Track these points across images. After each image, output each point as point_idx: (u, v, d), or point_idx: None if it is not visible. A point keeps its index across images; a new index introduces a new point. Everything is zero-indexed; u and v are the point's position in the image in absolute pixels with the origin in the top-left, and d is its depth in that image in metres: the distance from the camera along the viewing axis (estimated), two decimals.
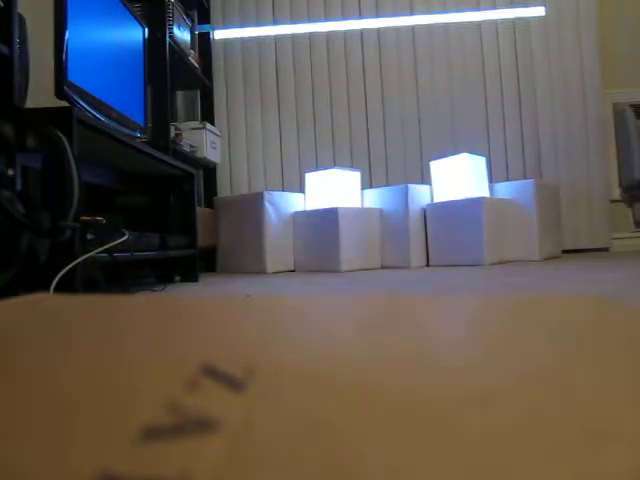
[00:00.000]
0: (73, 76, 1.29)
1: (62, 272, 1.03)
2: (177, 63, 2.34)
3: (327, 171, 2.46)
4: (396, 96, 2.96)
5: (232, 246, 2.51)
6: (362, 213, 2.39)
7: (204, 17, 2.95)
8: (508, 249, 2.34)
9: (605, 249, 2.86)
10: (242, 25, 3.03)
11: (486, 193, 2.42)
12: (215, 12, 3.03)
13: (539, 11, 2.94)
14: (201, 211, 2.34)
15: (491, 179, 2.74)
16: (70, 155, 1.00)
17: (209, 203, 2.74)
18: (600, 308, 0.27)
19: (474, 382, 0.15)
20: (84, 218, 1.16)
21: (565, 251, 2.75)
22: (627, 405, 0.13)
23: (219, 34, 3.03)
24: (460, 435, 0.12)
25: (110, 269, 1.46)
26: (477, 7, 2.95)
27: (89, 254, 1.13)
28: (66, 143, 1.00)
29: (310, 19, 3.00)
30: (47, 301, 0.32)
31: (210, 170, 2.89)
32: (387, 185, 2.83)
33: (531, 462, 0.10)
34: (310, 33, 3.00)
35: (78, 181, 1.00)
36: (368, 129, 2.96)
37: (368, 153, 2.96)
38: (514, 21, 2.94)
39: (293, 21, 3.01)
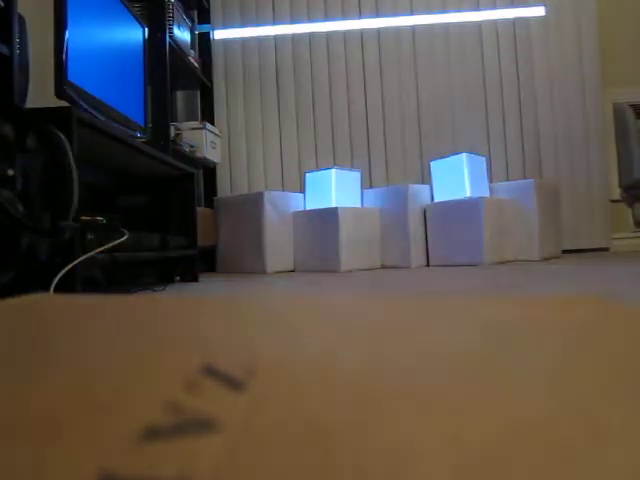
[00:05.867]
0: (73, 76, 1.29)
1: (62, 272, 1.03)
2: (177, 63, 2.34)
3: (327, 171, 2.46)
4: (396, 96, 2.96)
5: (232, 246, 2.51)
6: (362, 213, 2.39)
7: (204, 17, 2.95)
8: (508, 249, 2.34)
9: (605, 249, 2.86)
10: (242, 25, 3.03)
11: (486, 193, 2.42)
12: (215, 12, 3.03)
13: (539, 11, 2.94)
14: (201, 211, 2.34)
15: (491, 179, 2.73)
16: (70, 155, 1.00)
17: (209, 203, 2.74)
18: (600, 308, 0.27)
19: (474, 383, 0.15)
20: (84, 218, 1.16)
21: (565, 251, 2.75)
22: (628, 405, 0.13)
23: (219, 34, 3.03)
24: (461, 436, 0.12)
25: (110, 269, 1.46)
26: (477, 7, 2.95)
27: (89, 254, 1.13)
28: (66, 143, 1.00)
29: (310, 19, 3.00)
30: (47, 301, 0.32)
31: (210, 170, 2.89)
32: (387, 185, 2.83)
33: (533, 463, 0.10)
34: (310, 33, 2.99)
35: (78, 181, 1.00)
36: (368, 129, 2.96)
37: (368, 153, 2.96)
38: (514, 21, 2.94)
39: (293, 21, 3.01)
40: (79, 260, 1.09)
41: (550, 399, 0.14)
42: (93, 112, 1.39)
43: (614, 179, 2.89)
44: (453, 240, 2.30)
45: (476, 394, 0.14)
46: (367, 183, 2.85)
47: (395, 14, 2.97)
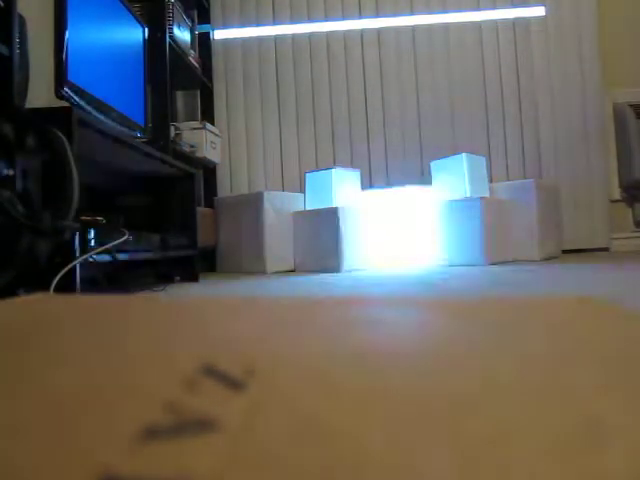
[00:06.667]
0: (73, 76, 1.29)
1: (62, 272, 1.03)
2: (177, 63, 2.34)
3: (327, 171, 2.46)
4: (396, 96, 2.96)
5: (232, 246, 2.51)
6: (362, 213, 2.39)
7: (204, 17, 2.94)
8: (508, 249, 2.34)
9: (605, 249, 2.86)
10: (242, 25, 3.03)
11: (486, 193, 2.42)
12: (215, 12, 3.03)
13: (539, 11, 2.94)
14: (201, 211, 2.34)
15: (491, 179, 2.73)
16: (70, 155, 1.00)
17: (209, 203, 2.74)
18: (600, 308, 0.27)
19: (474, 383, 0.15)
20: (84, 218, 1.16)
21: (565, 251, 2.74)
22: (626, 405, 0.13)
23: (219, 34, 3.03)
24: (460, 435, 0.12)
25: (110, 269, 1.46)
26: (477, 7, 2.95)
27: (89, 254, 1.13)
28: (66, 143, 1.00)
29: (310, 19, 3.00)
30: (47, 301, 0.32)
31: (210, 170, 2.89)
32: (387, 185, 2.83)
33: (531, 462, 0.10)
34: (310, 33, 2.99)
35: (78, 181, 1.00)
36: (368, 129, 2.96)
37: (368, 153, 2.96)
38: (514, 21, 2.94)
39: (293, 21, 3.01)
40: (79, 260, 1.08)
41: (548, 398, 0.14)
42: (93, 112, 1.39)
43: (614, 179, 2.89)
44: (452, 240, 2.30)
45: (475, 394, 0.14)
46: (367, 183, 2.84)
47: (395, 14, 2.97)
